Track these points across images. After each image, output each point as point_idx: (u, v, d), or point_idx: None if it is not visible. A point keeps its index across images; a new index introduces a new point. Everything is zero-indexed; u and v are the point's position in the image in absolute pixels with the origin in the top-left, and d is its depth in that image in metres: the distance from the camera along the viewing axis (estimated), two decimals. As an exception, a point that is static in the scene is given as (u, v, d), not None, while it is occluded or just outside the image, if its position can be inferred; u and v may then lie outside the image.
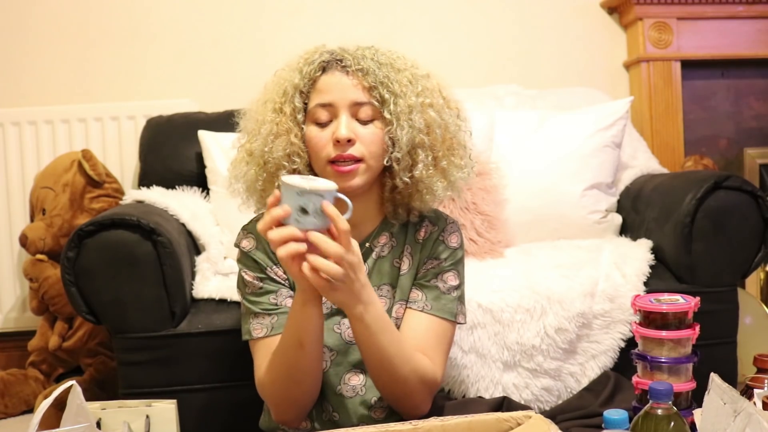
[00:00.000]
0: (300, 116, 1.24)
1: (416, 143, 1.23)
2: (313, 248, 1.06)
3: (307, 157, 1.24)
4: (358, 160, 1.21)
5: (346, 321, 1.27)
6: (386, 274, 1.30)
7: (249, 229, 1.31)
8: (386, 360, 1.18)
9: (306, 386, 1.22)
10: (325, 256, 1.06)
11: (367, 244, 1.30)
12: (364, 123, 1.23)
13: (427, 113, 1.24)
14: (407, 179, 1.24)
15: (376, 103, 1.22)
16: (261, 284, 1.26)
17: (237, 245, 1.31)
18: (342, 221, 1.06)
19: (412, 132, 1.22)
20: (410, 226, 1.32)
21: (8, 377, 2.15)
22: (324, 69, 1.24)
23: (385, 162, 1.24)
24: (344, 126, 1.20)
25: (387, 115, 1.22)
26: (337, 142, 1.20)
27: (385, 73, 1.23)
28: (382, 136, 1.23)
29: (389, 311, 1.29)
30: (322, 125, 1.23)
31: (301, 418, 1.27)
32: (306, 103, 1.24)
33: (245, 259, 1.29)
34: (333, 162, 1.21)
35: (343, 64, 1.23)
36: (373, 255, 1.30)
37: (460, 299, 1.32)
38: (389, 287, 1.30)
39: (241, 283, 1.29)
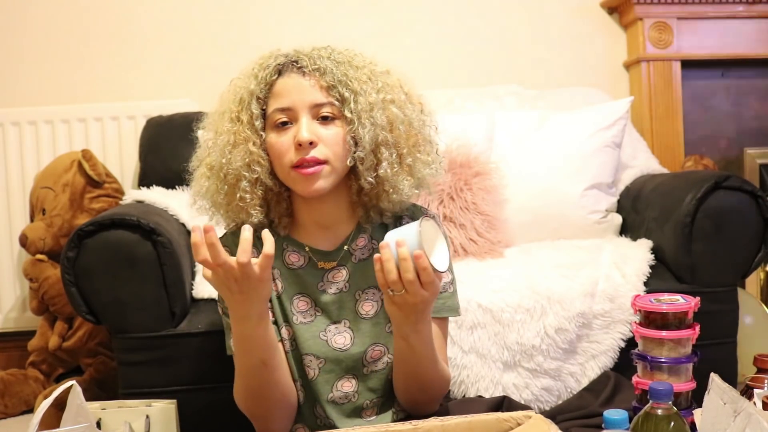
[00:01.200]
0: (258, 123, 1.20)
1: (379, 141, 1.20)
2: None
3: (269, 165, 1.21)
4: (322, 162, 1.18)
5: (331, 328, 1.27)
6: (371, 277, 1.24)
7: (223, 242, 1.28)
8: (421, 377, 1.21)
9: (278, 402, 1.21)
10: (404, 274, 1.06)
11: (345, 247, 1.27)
12: (325, 124, 1.20)
13: (389, 110, 1.21)
14: (372, 179, 1.21)
15: (336, 103, 1.20)
16: None
17: None
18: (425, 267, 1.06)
19: (375, 130, 1.19)
20: (389, 226, 1.29)
21: (8, 377, 2.15)
22: (280, 72, 1.21)
23: (348, 162, 1.21)
24: (305, 128, 1.17)
25: (348, 114, 1.19)
26: (299, 146, 1.17)
27: (343, 71, 1.20)
28: (344, 135, 1.20)
29: (378, 313, 1.27)
30: (282, 130, 1.20)
31: (285, 430, 1.27)
32: (264, 110, 1.21)
33: None
34: (296, 166, 1.18)
35: (299, 65, 1.20)
36: (353, 259, 1.28)
37: (455, 291, 1.32)
38: (375, 290, 1.27)
39: (220, 298, 1.27)
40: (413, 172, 1.24)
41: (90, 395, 1.98)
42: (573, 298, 1.61)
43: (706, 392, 0.99)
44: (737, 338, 1.73)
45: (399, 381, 1.25)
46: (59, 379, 2.18)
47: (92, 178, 2.18)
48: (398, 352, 1.20)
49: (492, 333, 1.59)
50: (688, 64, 2.58)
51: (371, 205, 1.26)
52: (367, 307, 1.27)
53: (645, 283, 1.67)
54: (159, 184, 2.04)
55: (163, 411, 1.29)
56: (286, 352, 1.25)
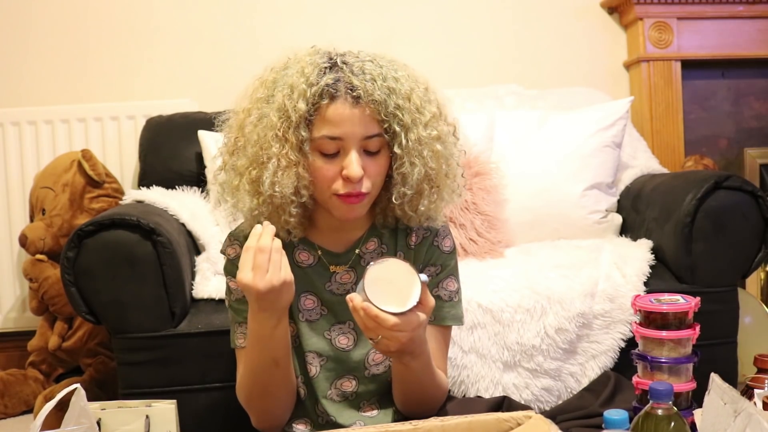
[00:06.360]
0: (306, 146, 1.16)
1: (423, 177, 1.20)
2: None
3: (312, 188, 1.19)
4: (365, 194, 1.18)
5: (336, 328, 1.27)
6: None
7: (235, 236, 1.28)
8: (420, 391, 1.21)
9: (281, 399, 1.23)
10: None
11: (357, 251, 1.27)
12: (372, 155, 1.18)
13: (434, 147, 1.20)
14: (410, 212, 1.23)
15: (386, 135, 1.17)
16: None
17: (223, 252, 1.29)
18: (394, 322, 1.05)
19: (422, 169, 1.18)
20: (399, 231, 1.30)
21: (8, 377, 2.15)
22: (332, 96, 1.14)
23: (394, 199, 1.20)
24: (356, 164, 1.14)
25: (397, 150, 1.17)
26: (347, 179, 1.15)
27: (395, 102, 1.16)
28: (387, 165, 1.19)
29: None
30: (328, 157, 1.17)
31: (280, 427, 1.27)
32: (309, 128, 1.16)
33: (230, 266, 1.26)
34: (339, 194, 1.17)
35: (355, 94, 1.14)
36: (362, 262, 1.28)
37: (461, 300, 1.32)
38: None
39: (228, 291, 1.28)
40: (446, 201, 1.26)
41: (90, 395, 1.97)
42: (573, 298, 1.61)
43: (707, 392, 0.99)
44: (737, 338, 1.73)
45: (398, 394, 1.25)
46: (59, 380, 2.18)
47: (92, 178, 2.18)
48: (397, 371, 1.20)
49: (492, 333, 1.59)
50: (688, 64, 2.58)
51: (392, 215, 1.27)
52: None
53: (645, 283, 1.67)
54: (159, 184, 2.04)
55: (163, 411, 1.29)
56: None
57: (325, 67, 1.16)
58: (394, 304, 1.04)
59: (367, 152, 1.17)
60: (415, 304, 1.05)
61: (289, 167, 1.15)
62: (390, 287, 1.05)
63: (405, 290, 1.06)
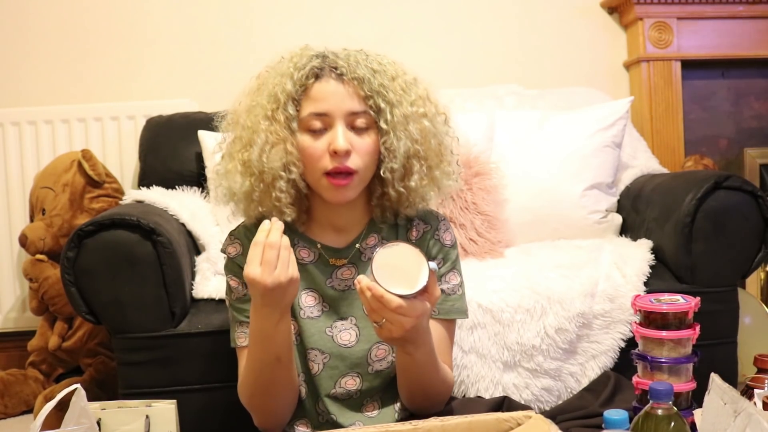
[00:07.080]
0: (294, 124, 1.21)
1: (411, 153, 1.22)
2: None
3: (302, 166, 1.22)
4: (353, 172, 1.19)
5: (338, 324, 1.28)
6: None
7: (236, 235, 1.29)
8: (424, 384, 1.22)
9: (284, 398, 1.23)
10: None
11: (357, 245, 1.29)
12: (359, 132, 1.21)
13: (421, 123, 1.23)
14: (401, 189, 1.24)
15: (372, 113, 1.21)
16: (245, 291, 1.25)
17: (223, 251, 1.30)
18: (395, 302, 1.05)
19: (408, 142, 1.21)
20: (399, 227, 1.31)
21: (8, 377, 2.15)
22: (317, 76, 1.21)
23: (381, 173, 1.22)
24: (342, 137, 1.18)
25: (383, 125, 1.20)
26: (335, 154, 1.18)
27: (380, 81, 1.20)
28: (376, 145, 1.22)
29: None
30: (316, 134, 1.20)
31: (282, 426, 1.28)
32: (297, 110, 1.21)
33: (231, 264, 1.28)
34: (328, 173, 1.20)
35: (339, 71, 1.21)
36: (363, 257, 1.29)
37: (464, 294, 1.32)
38: None
39: (228, 290, 1.28)
40: (439, 183, 1.27)
41: (90, 395, 1.97)
42: (573, 298, 1.61)
43: (707, 392, 0.99)
44: (737, 338, 1.73)
45: (403, 388, 1.26)
46: (59, 379, 2.18)
47: (92, 178, 2.18)
48: (401, 362, 1.21)
49: (492, 333, 1.59)
50: (688, 64, 2.58)
51: (391, 208, 1.28)
52: None
53: (645, 283, 1.67)
54: (159, 184, 2.04)
55: (163, 411, 1.29)
56: None
57: (313, 56, 1.23)
58: (401, 287, 1.05)
59: (354, 130, 1.20)
60: (422, 288, 1.06)
61: (277, 143, 1.19)
62: (398, 271, 1.06)
63: (413, 275, 1.06)
